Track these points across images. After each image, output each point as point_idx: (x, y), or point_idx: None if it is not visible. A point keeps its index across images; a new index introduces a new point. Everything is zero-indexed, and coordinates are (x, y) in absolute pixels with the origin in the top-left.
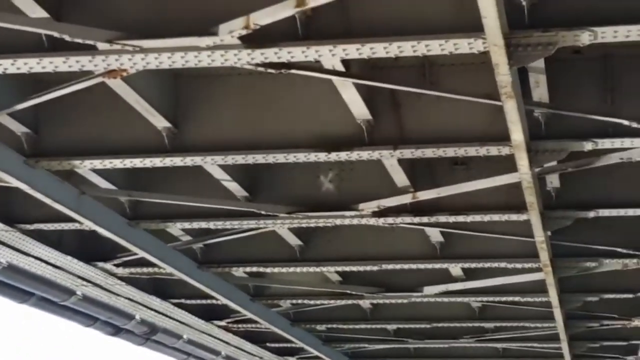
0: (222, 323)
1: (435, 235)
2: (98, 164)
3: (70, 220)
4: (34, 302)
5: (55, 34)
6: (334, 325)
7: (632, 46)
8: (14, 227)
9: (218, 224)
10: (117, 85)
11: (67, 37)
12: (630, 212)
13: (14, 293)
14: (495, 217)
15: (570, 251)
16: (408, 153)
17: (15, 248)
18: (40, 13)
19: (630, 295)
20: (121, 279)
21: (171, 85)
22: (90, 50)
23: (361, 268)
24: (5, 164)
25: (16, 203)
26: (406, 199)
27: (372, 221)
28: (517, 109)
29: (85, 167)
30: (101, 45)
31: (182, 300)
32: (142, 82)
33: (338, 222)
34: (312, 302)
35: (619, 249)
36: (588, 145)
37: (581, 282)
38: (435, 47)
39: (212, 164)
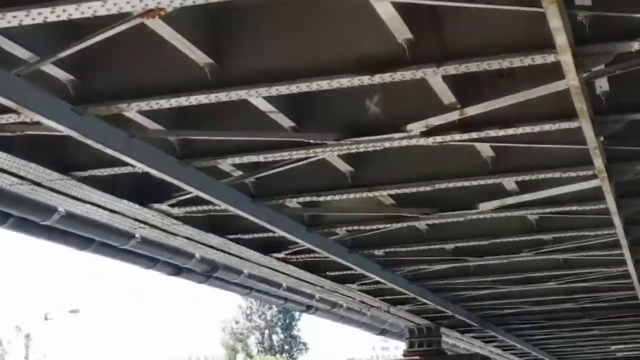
0: (281, 255)
1: (486, 150)
2: (144, 105)
3: (123, 164)
4: (94, 248)
5: None
6: (392, 249)
7: None
8: (69, 175)
9: (268, 157)
10: (157, 25)
11: None
12: None
13: (75, 241)
14: (546, 127)
15: (625, 155)
16: (452, 69)
17: (72, 196)
18: None
19: None
20: (177, 218)
21: (210, 21)
22: None
23: (414, 189)
24: (54, 114)
25: (68, 151)
26: (454, 116)
27: (421, 141)
28: (560, 14)
29: (132, 109)
30: None
31: (239, 236)
32: (180, 20)
33: (387, 145)
34: (367, 227)
35: None
36: (635, 46)
37: (639, 186)
38: None
39: (257, 97)
